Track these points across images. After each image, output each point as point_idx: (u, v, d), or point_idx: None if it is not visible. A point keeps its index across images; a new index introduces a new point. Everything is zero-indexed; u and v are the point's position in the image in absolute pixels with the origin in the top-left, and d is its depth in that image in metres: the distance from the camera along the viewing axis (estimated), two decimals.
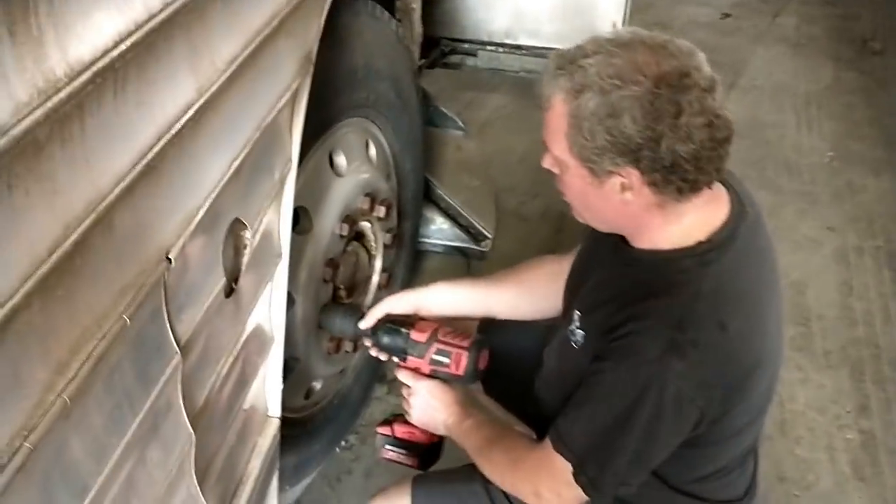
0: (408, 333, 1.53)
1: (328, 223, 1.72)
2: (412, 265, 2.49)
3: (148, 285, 0.88)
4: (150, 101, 0.85)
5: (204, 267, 1.04)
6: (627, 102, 1.07)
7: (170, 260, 0.92)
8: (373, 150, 1.96)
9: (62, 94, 0.70)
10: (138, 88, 0.83)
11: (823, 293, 2.80)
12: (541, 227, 3.00)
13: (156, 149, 0.86)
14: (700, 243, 1.19)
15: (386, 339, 1.57)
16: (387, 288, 2.08)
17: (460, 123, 3.04)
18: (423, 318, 1.56)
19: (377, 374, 2.27)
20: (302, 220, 1.67)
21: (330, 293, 1.79)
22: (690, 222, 1.20)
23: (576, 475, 1.22)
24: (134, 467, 0.92)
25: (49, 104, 0.68)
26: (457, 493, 1.48)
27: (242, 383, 1.29)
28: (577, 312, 1.35)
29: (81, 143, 0.75)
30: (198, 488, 1.09)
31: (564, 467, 1.22)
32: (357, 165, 1.84)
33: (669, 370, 1.13)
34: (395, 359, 1.54)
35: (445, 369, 1.50)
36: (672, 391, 1.13)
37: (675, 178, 1.12)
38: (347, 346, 1.90)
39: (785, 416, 2.34)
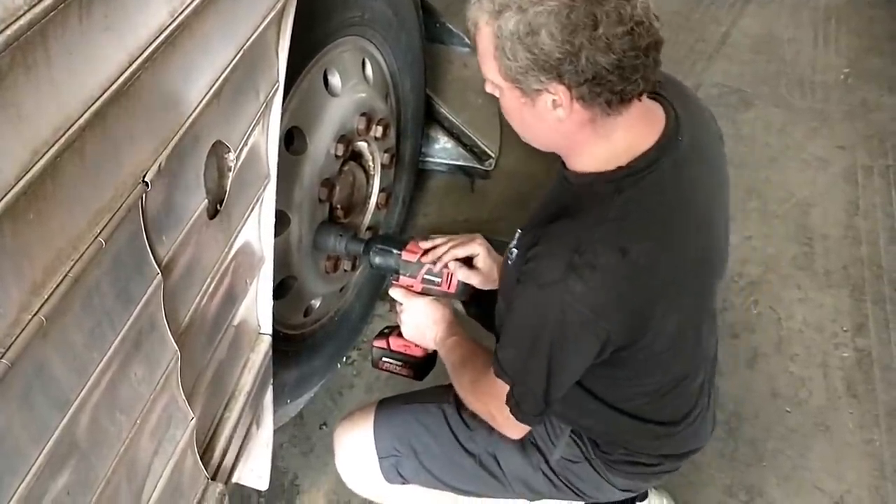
0: (399, 254, 1.57)
1: (323, 143, 1.72)
2: (414, 184, 2.50)
3: (125, 208, 0.91)
4: (120, 26, 0.86)
5: (184, 189, 1.06)
6: (544, 18, 1.06)
7: (147, 183, 0.94)
8: (369, 70, 1.94)
9: (22, 22, 0.71)
10: (106, 13, 0.83)
11: (829, 212, 2.79)
12: None
13: (126, 73, 0.87)
14: (619, 168, 1.20)
15: (378, 260, 1.61)
16: (385, 208, 2.10)
17: (467, 40, 2.99)
18: (414, 238, 1.60)
19: (378, 292, 2.31)
20: (296, 140, 1.68)
21: (326, 213, 1.81)
22: (618, 142, 1.20)
23: (507, 398, 1.27)
24: (118, 381, 0.96)
25: (9, 32, 0.70)
26: (414, 412, 1.55)
27: (231, 301, 1.32)
28: (519, 230, 1.36)
29: (47, 70, 0.76)
30: (185, 400, 1.14)
31: (505, 391, 1.28)
32: (353, 85, 1.83)
33: (569, 292, 1.14)
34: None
35: (436, 287, 1.54)
36: (573, 313, 1.15)
37: (602, 90, 1.11)
38: (345, 264, 1.93)
39: (782, 333, 2.37)
